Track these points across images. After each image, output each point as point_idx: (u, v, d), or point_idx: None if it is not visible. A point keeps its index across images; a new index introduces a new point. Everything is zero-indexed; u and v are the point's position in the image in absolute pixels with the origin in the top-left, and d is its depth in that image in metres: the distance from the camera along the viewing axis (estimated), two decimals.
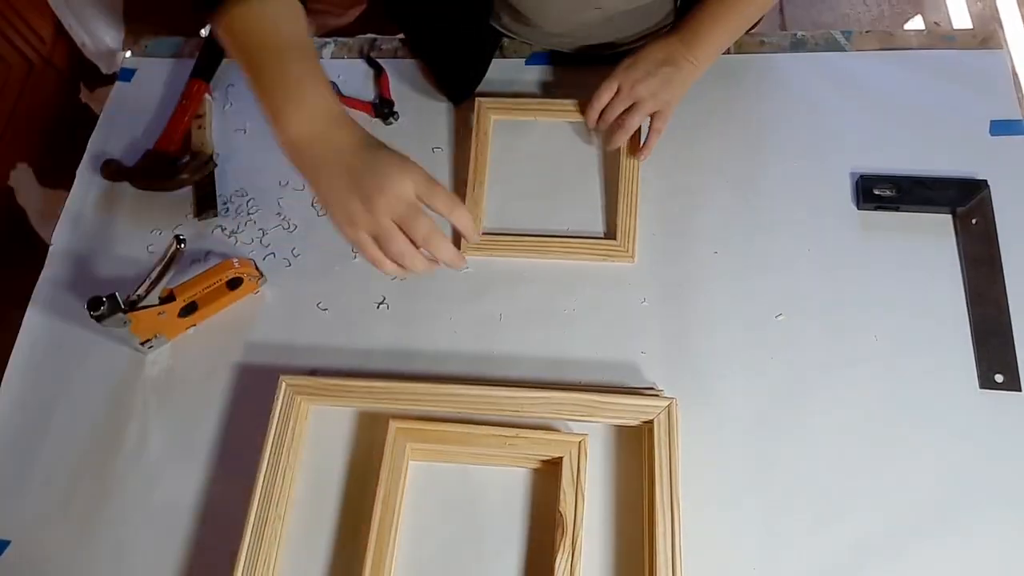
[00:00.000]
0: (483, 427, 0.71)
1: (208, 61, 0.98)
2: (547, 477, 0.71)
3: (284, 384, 0.73)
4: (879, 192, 0.81)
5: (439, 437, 0.71)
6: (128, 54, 1.05)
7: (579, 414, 0.71)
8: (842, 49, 0.92)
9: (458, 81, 0.93)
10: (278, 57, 0.56)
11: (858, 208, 0.82)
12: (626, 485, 0.64)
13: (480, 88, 0.93)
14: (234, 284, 0.81)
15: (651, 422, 0.69)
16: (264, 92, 0.56)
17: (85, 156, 0.95)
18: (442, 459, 0.73)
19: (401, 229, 0.57)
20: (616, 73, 0.82)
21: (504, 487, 0.71)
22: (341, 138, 0.57)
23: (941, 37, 0.93)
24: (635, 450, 0.71)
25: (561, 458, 0.69)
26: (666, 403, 0.69)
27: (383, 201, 0.56)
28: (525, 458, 0.71)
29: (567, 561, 0.64)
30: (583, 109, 0.86)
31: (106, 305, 0.73)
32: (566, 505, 0.66)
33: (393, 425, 0.70)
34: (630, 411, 0.71)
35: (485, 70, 0.94)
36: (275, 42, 0.56)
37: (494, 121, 0.90)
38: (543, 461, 0.71)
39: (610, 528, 0.69)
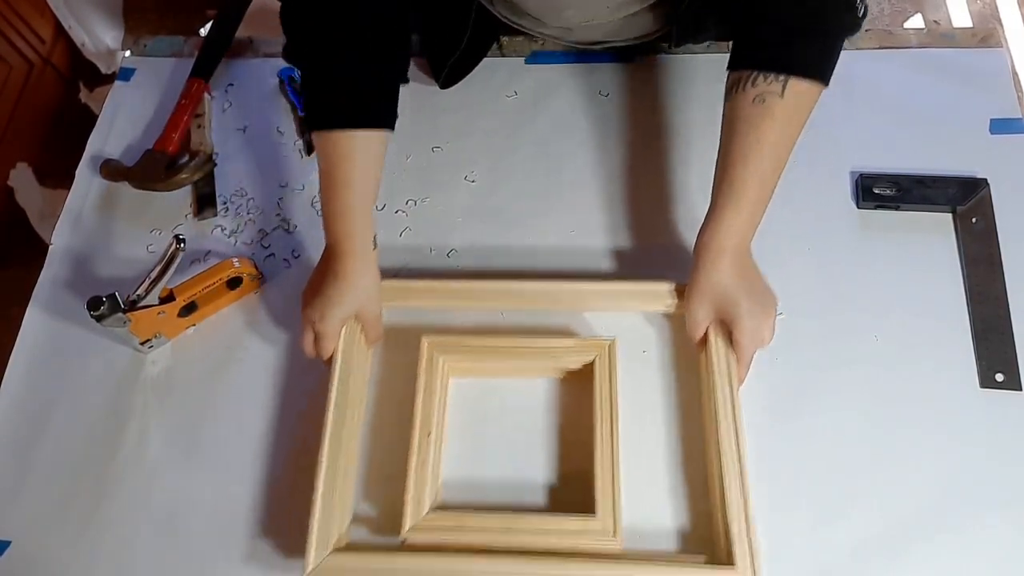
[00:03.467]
0: (510, 338, 0.74)
1: (208, 60, 0.98)
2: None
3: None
4: (879, 191, 0.81)
5: (467, 349, 0.73)
6: (127, 54, 1.05)
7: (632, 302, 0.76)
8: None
9: (440, 57, 0.91)
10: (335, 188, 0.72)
11: (858, 207, 0.82)
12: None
13: (478, 91, 0.92)
14: (234, 284, 0.81)
15: None
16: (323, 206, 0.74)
17: (85, 156, 0.95)
18: (469, 374, 0.75)
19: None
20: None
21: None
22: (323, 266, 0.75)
23: (941, 36, 0.93)
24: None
25: (591, 362, 0.72)
26: None
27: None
28: (554, 369, 0.74)
29: (609, 457, 0.67)
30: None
31: (106, 305, 0.73)
32: (601, 407, 0.69)
33: (425, 340, 0.73)
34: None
35: (477, 54, 0.92)
36: (340, 174, 0.72)
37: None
38: (570, 372, 0.74)
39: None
